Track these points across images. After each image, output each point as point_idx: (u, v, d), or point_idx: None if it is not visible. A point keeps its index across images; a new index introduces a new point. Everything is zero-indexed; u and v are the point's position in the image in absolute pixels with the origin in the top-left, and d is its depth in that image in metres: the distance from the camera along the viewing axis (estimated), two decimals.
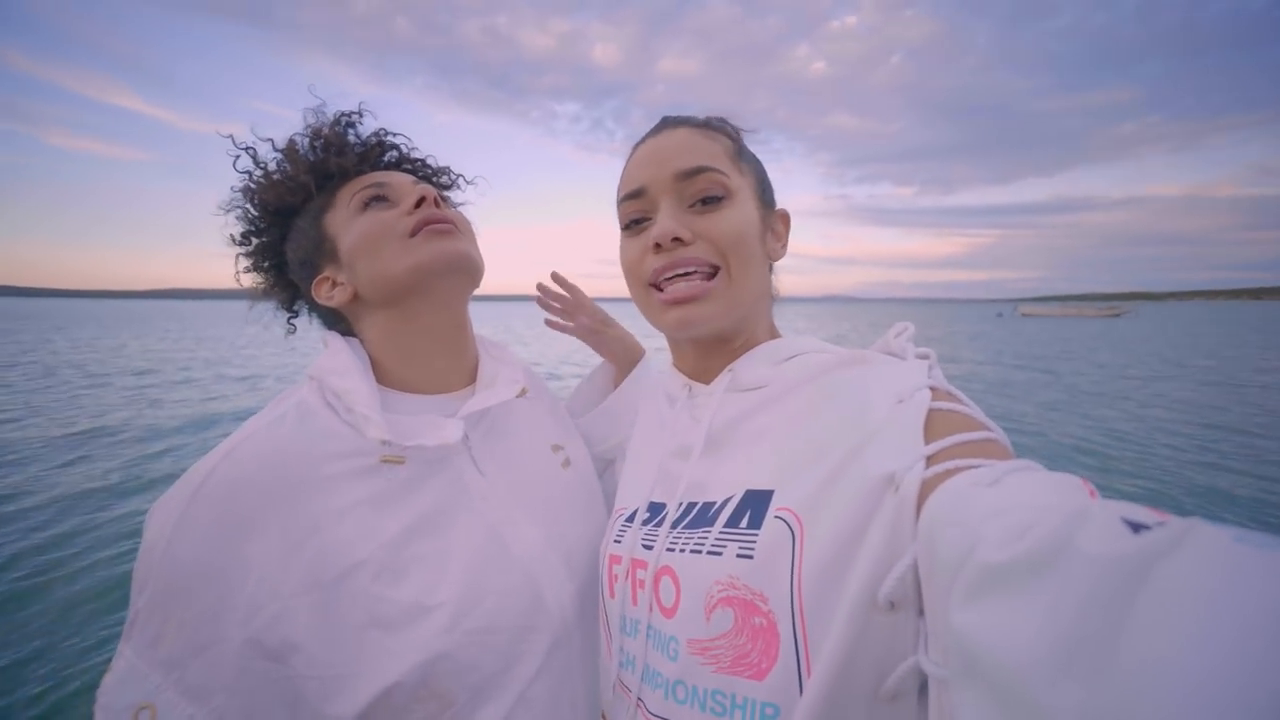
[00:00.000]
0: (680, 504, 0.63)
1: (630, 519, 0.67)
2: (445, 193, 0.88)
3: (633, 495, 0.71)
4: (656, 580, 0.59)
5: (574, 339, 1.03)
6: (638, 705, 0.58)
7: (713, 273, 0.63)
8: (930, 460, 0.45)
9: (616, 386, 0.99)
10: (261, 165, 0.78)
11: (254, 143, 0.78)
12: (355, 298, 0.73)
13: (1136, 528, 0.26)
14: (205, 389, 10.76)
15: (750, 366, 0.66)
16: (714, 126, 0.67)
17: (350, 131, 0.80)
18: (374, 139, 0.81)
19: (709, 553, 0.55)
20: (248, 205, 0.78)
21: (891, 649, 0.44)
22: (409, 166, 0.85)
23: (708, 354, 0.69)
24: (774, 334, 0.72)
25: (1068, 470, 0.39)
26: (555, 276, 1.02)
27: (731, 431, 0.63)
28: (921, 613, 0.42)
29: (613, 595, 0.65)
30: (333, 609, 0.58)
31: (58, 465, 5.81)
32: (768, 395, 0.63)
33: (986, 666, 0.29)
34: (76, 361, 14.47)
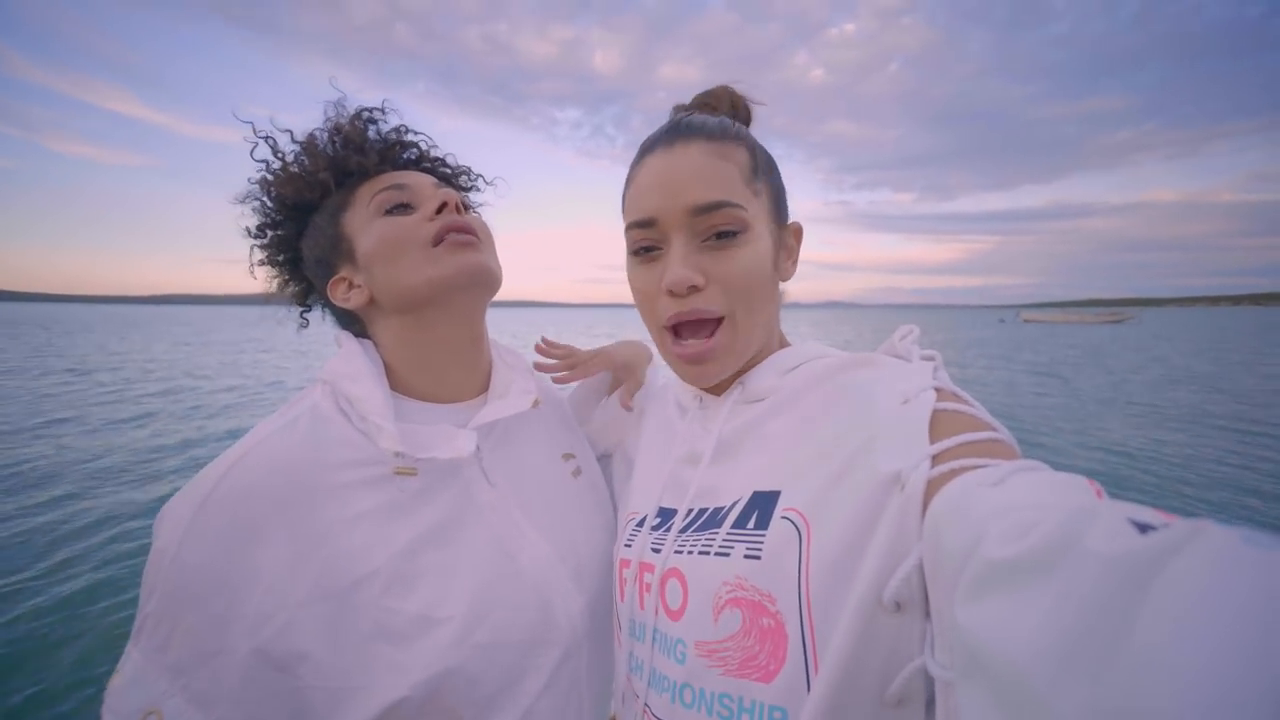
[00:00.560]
0: (690, 509, 0.63)
1: (640, 524, 0.67)
2: (465, 193, 0.87)
3: (643, 501, 0.71)
4: (663, 583, 0.59)
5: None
6: (644, 710, 0.58)
7: (719, 322, 0.62)
8: (936, 460, 0.45)
9: (613, 388, 0.97)
10: (280, 156, 0.76)
11: (272, 133, 0.76)
12: (371, 301, 0.72)
13: (1143, 528, 0.26)
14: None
15: (760, 378, 0.66)
16: (731, 136, 0.64)
17: (371, 128, 0.78)
18: (394, 136, 0.79)
19: (716, 554, 0.55)
20: (264, 198, 0.77)
21: (897, 651, 0.43)
22: (428, 165, 0.83)
23: None
24: (784, 343, 0.71)
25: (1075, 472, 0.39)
26: (543, 345, 0.95)
27: (741, 439, 0.63)
28: (928, 615, 0.42)
29: (623, 599, 0.65)
30: (341, 620, 0.57)
31: None
32: (776, 402, 0.63)
33: (990, 663, 0.29)
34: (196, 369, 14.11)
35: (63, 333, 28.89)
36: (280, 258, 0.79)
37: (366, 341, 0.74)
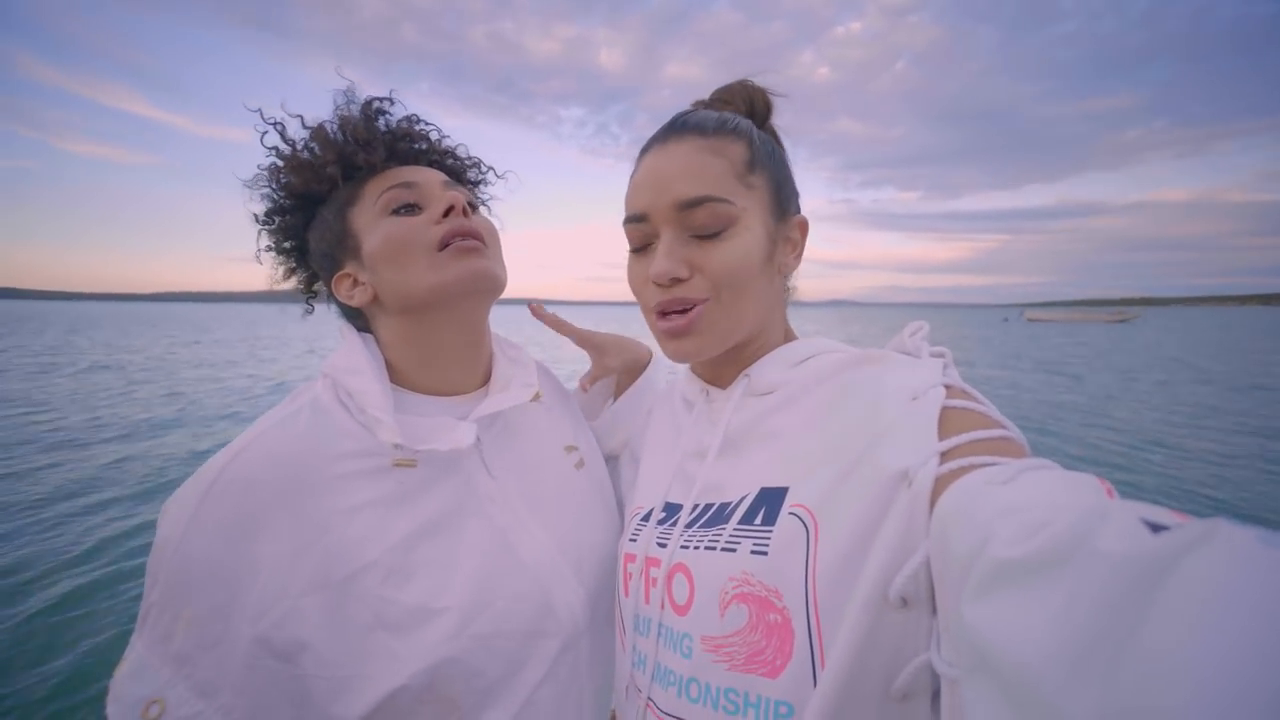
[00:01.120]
0: (696, 504, 0.63)
1: (646, 518, 0.67)
2: (474, 187, 0.86)
3: (649, 495, 0.71)
4: (670, 577, 0.59)
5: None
6: (648, 705, 0.58)
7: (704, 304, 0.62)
8: (944, 457, 0.45)
9: (615, 388, 0.96)
10: (290, 143, 0.75)
11: (282, 118, 0.75)
12: (375, 299, 0.72)
13: (1156, 528, 0.25)
14: None
15: (766, 371, 0.66)
16: (727, 131, 0.64)
17: (381, 119, 0.77)
18: (403, 128, 0.78)
19: (723, 549, 0.55)
20: (272, 185, 0.76)
21: (903, 647, 0.43)
22: (437, 158, 0.82)
23: (722, 361, 0.69)
24: (790, 337, 0.71)
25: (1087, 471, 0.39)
26: (534, 310, 0.94)
27: (748, 433, 0.63)
28: (934, 611, 0.42)
29: (627, 594, 0.65)
30: (341, 609, 0.58)
31: None
32: (783, 397, 0.63)
33: (997, 663, 0.29)
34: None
35: (119, 333, 28.25)
36: (287, 245, 0.79)
37: (368, 336, 0.75)
